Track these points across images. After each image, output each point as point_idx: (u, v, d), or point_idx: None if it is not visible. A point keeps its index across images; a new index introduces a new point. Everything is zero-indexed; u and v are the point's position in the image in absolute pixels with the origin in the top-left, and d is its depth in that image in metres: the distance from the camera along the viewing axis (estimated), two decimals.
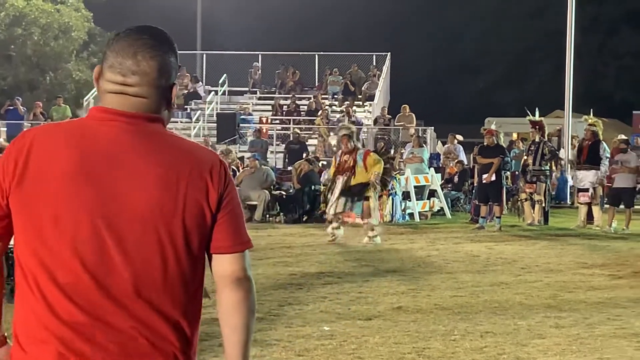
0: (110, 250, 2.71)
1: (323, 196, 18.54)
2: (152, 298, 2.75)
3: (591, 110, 22.11)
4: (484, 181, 20.53)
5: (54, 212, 2.71)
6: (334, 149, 30.43)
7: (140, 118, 2.82)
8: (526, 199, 21.20)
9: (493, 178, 20.33)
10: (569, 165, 24.88)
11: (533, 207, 21.23)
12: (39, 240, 2.71)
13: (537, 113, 21.46)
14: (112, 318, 2.71)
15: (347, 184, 17.19)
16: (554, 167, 27.87)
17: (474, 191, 22.51)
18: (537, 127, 21.24)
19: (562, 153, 28.05)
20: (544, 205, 21.12)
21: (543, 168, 20.98)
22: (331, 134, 31.34)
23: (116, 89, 2.84)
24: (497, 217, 20.42)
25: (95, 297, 2.69)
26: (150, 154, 2.78)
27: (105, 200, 2.72)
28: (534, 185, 20.92)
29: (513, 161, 23.25)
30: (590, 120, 21.22)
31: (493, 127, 21.75)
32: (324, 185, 19.43)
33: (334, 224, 17.31)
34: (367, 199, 17.10)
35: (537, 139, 21.18)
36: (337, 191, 17.20)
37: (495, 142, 20.84)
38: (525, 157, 21.51)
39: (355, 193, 17.22)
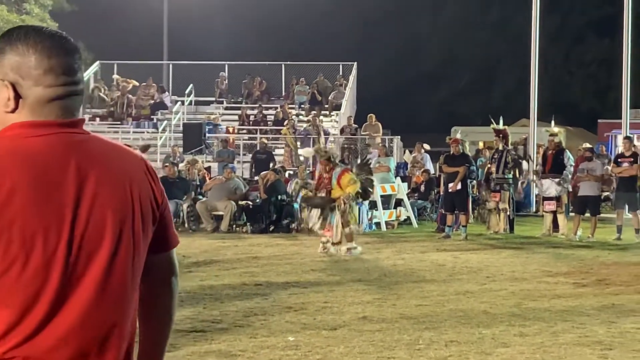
0: (86, 273, 2.59)
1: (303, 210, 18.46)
2: (124, 321, 2.68)
3: (552, 119, 22.25)
4: (449, 190, 20.64)
5: (21, 244, 2.52)
6: (301, 158, 30.54)
7: (70, 125, 2.68)
8: (495, 209, 21.20)
9: (459, 187, 20.45)
10: (534, 175, 25.02)
11: (498, 216, 21.31)
12: (6, 278, 2.52)
13: (501, 121, 21.55)
14: (92, 350, 2.61)
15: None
16: (518, 175, 28.12)
17: (440, 200, 22.58)
18: (500, 135, 21.35)
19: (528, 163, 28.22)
20: (509, 213, 21.21)
21: (506, 176, 21.06)
22: (299, 144, 31.37)
23: (67, 90, 2.68)
24: (463, 226, 20.51)
25: (74, 329, 2.57)
26: (97, 163, 2.66)
27: (71, 221, 2.58)
28: (498, 193, 21.01)
29: (479, 170, 23.34)
30: (551, 131, 21.38)
31: (458, 136, 21.85)
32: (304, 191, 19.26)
33: (323, 239, 17.18)
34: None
35: (500, 148, 21.29)
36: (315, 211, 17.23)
37: (461, 151, 20.96)
38: (488, 165, 21.59)
39: (314, 205, 17.29)
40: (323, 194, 17.13)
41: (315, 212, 17.22)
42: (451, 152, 21.18)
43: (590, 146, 23.01)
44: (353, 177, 17.15)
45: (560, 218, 20.92)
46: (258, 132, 33.47)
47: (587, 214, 20.57)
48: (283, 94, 38.23)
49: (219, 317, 10.51)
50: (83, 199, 2.61)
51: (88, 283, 2.60)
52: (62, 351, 2.57)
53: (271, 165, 27.04)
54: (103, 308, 2.62)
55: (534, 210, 27.05)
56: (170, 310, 2.94)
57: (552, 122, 21.91)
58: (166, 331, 2.95)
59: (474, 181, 21.46)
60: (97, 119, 35.72)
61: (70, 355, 2.58)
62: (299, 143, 31.66)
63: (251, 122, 34.97)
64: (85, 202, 2.61)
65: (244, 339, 9.34)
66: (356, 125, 33.03)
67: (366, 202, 21.87)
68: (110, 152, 2.73)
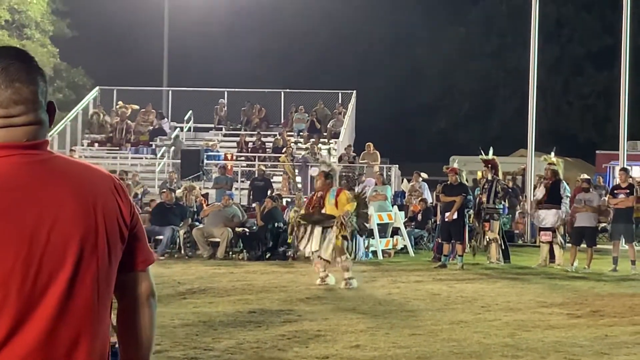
0: (47, 292, 2.61)
1: (292, 232, 18.07)
2: (90, 339, 2.68)
3: (554, 149, 22.25)
4: (446, 219, 20.65)
5: None
6: (299, 185, 30.55)
7: (31, 147, 2.69)
8: (495, 239, 21.11)
9: (455, 216, 20.46)
10: (532, 204, 25.05)
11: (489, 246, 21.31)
12: None
13: (490, 152, 21.61)
14: None
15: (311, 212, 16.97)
16: (516, 206, 28.17)
17: (437, 229, 22.58)
18: (489, 165, 21.40)
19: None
20: (500, 243, 21.17)
21: (497, 206, 21.09)
22: (296, 172, 31.42)
23: (3, 123, 2.69)
24: (459, 256, 20.50)
25: (36, 347, 2.58)
26: (59, 181, 2.68)
27: (30, 239, 2.60)
28: (488, 223, 21.01)
29: (476, 200, 23.33)
30: (549, 160, 21.41)
31: (456, 165, 21.87)
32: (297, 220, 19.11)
33: (322, 274, 16.71)
34: (343, 237, 16.62)
35: (489, 177, 21.33)
36: (308, 231, 16.83)
37: (459, 180, 20.98)
38: (479, 195, 21.59)
39: (314, 221, 16.92)
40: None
41: (317, 234, 16.82)
42: (448, 182, 21.21)
43: (588, 177, 22.99)
44: (351, 196, 16.87)
45: (557, 249, 20.91)
46: (256, 159, 33.51)
47: (584, 245, 20.56)
48: (282, 121, 38.27)
49: (211, 344, 10.50)
50: (44, 218, 2.63)
51: (50, 301, 2.61)
52: None
53: (269, 192, 27.07)
54: (66, 326, 2.63)
55: (532, 240, 27.05)
56: (149, 330, 2.95)
57: (552, 153, 21.87)
58: (145, 351, 2.95)
59: (471, 210, 21.46)
60: (96, 144, 35.78)
61: None
62: (296, 171, 31.71)
63: (250, 149, 35.01)
64: (46, 222, 2.63)
65: None
66: (355, 154, 33.06)
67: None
68: (74, 171, 2.74)
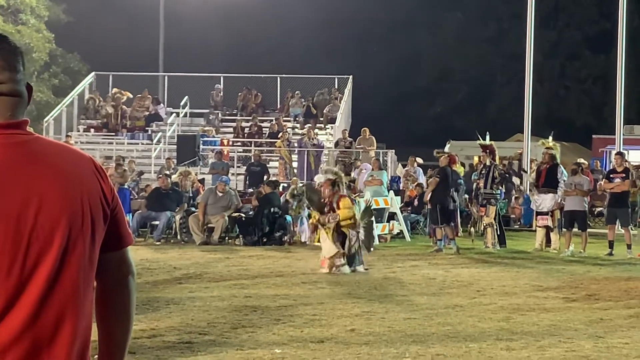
0: (36, 272, 2.59)
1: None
2: (76, 319, 2.67)
3: (551, 133, 22.23)
4: (424, 200, 20.81)
5: None
6: (295, 170, 30.54)
7: (12, 126, 2.66)
8: (490, 224, 21.10)
9: (444, 200, 20.49)
10: (529, 189, 25.03)
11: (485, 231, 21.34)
12: None
13: (487, 137, 21.59)
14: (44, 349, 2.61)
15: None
16: (514, 191, 28.16)
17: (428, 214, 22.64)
18: (487, 150, 21.39)
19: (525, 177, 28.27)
20: (496, 227, 21.15)
21: (494, 192, 21.06)
22: (293, 157, 31.42)
23: None
24: (451, 240, 20.45)
25: (25, 326, 2.57)
26: (43, 163, 2.65)
27: (17, 220, 2.57)
28: (484, 208, 21.01)
29: (474, 185, 23.28)
30: (547, 144, 21.39)
31: (446, 149, 21.91)
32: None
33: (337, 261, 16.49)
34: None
35: (487, 163, 21.30)
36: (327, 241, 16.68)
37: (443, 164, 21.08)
38: (477, 180, 21.56)
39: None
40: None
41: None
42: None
43: (577, 161, 22.93)
44: (349, 204, 16.70)
45: (553, 233, 20.89)
46: (252, 145, 33.49)
47: (576, 229, 20.52)
48: (278, 106, 38.24)
49: (206, 328, 10.50)
50: (30, 199, 2.60)
51: (38, 283, 2.60)
52: (15, 348, 2.57)
53: (265, 177, 27.03)
54: (53, 307, 2.62)
55: (528, 225, 27.04)
56: (128, 310, 2.93)
57: (550, 137, 21.85)
58: (125, 332, 2.94)
59: (456, 194, 21.44)
60: (92, 129, 35.77)
61: (22, 352, 2.58)
62: (293, 156, 31.73)
63: (246, 135, 34.97)
64: (32, 203, 2.60)
65: (230, 350, 9.32)
66: (351, 139, 33.00)
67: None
68: (57, 152, 2.72)
